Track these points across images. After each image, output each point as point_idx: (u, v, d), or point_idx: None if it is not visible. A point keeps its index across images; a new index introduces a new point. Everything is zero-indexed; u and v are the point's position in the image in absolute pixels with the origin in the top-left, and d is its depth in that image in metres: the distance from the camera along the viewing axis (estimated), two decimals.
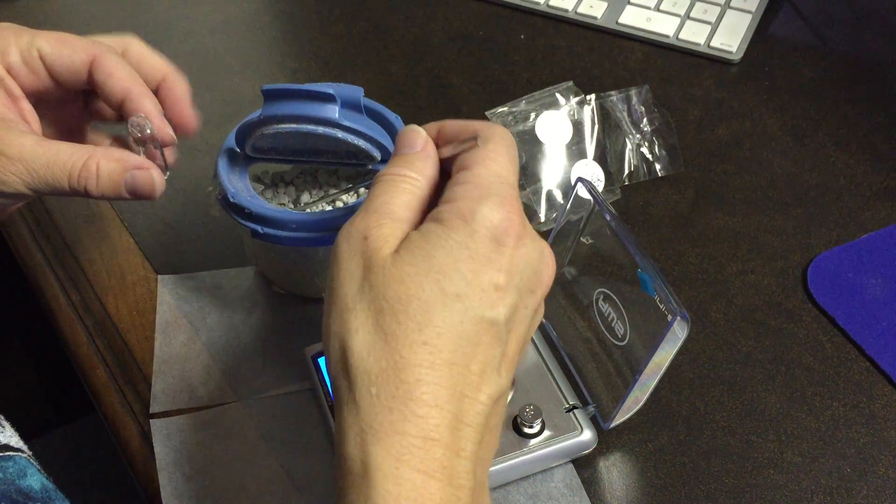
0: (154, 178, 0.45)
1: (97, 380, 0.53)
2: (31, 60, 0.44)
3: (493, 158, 0.36)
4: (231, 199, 0.49)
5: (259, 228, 0.48)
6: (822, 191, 0.60)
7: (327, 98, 0.47)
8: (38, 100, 0.46)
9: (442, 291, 0.33)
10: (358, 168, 0.52)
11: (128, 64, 0.46)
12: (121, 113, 0.46)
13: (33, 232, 0.60)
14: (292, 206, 0.53)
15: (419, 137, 0.38)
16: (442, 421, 0.32)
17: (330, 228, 0.48)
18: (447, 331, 0.33)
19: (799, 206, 0.59)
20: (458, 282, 0.33)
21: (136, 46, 0.48)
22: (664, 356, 0.44)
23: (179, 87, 0.48)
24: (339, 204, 0.52)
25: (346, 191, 0.53)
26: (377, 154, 0.50)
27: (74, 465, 0.77)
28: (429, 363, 0.32)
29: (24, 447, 0.43)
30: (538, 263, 0.36)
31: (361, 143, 0.49)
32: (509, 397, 0.46)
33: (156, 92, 0.47)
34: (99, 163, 0.43)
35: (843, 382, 0.50)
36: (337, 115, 0.47)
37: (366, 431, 0.32)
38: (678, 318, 0.41)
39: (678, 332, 0.42)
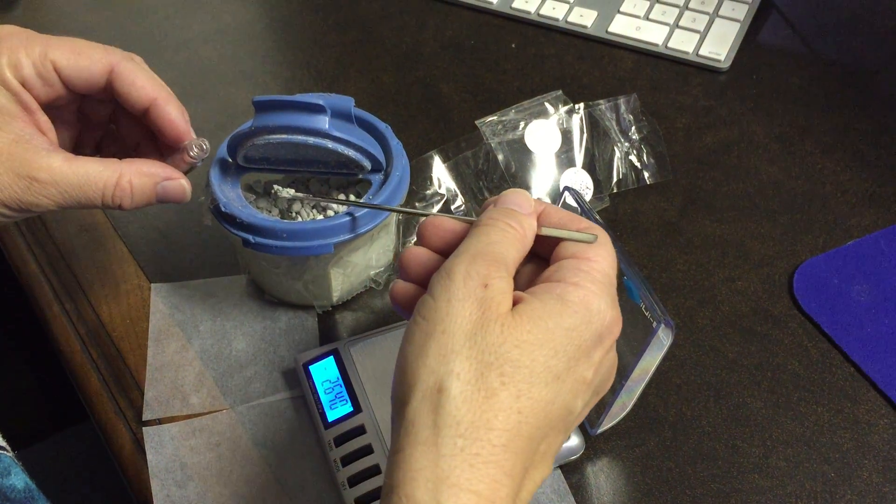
0: (184, 186, 0.46)
1: (90, 387, 0.53)
2: (45, 73, 0.43)
3: (608, 259, 0.37)
4: (223, 209, 0.49)
5: (250, 238, 0.49)
6: (808, 198, 0.60)
7: (317, 109, 0.48)
8: (50, 107, 0.46)
9: (547, 368, 0.34)
10: (349, 177, 0.53)
11: (145, 68, 0.46)
12: (144, 119, 0.46)
13: (27, 240, 0.61)
14: (280, 215, 0.53)
15: (528, 202, 0.39)
16: (510, 491, 0.32)
17: (320, 237, 0.49)
18: (540, 408, 0.33)
19: (786, 212, 0.60)
20: (561, 364, 0.34)
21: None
22: (650, 362, 0.45)
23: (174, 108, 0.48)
24: (331, 213, 0.53)
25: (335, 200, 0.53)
26: (367, 164, 0.51)
27: (68, 473, 0.77)
28: (516, 432, 0.33)
29: (8, 447, 0.44)
30: (612, 371, 0.38)
31: (351, 152, 0.49)
32: None
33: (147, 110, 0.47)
34: (132, 180, 0.44)
35: (828, 388, 0.51)
36: (327, 126, 0.48)
37: (442, 482, 0.31)
38: (663, 325, 0.42)
39: (663, 339, 0.43)
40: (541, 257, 0.39)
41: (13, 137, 0.42)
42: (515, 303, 0.35)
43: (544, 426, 0.34)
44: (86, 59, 0.44)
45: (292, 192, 0.50)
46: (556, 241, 0.39)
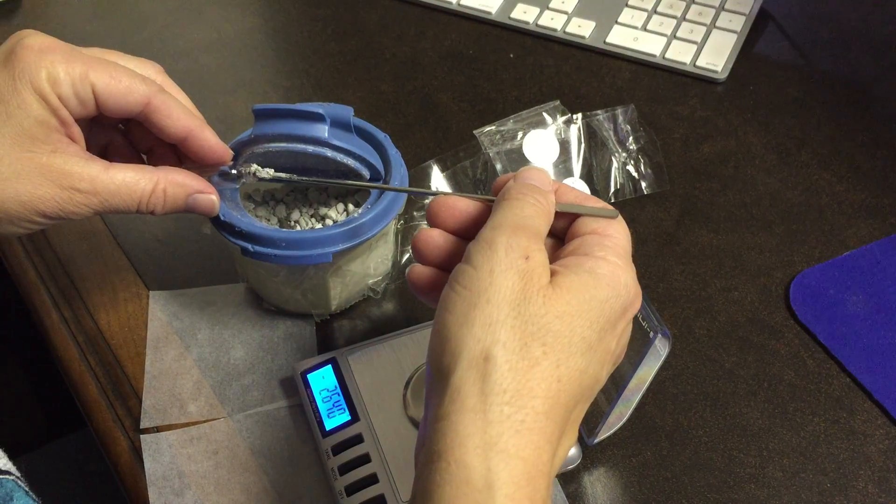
0: (213, 200, 0.48)
1: (88, 395, 0.53)
2: (83, 93, 0.43)
3: (625, 235, 0.39)
4: (222, 217, 0.49)
5: (249, 246, 0.49)
6: (805, 208, 0.61)
7: (317, 117, 0.48)
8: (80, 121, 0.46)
9: (583, 339, 0.35)
10: (347, 186, 0.53)
11: (177, 97, 0.47)
12: (179, 146, 0.47)
13: (26, 248, 0.61)
14: (279, 224, 0.53)
15: (548, 179, 0.40)
16: (550, 457, 0.33)
17: (319, 246, 0.49)
18: (575, 377, 0.34)
19: (782, 223, 0.60)
20: (594, 335, 0.35)
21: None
22: (647, 372, 0.45)
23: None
24: (329, 222, 0.53)
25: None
26: (366, 173, 0.51)
27: (65, 480, 0.77)
28: (555, 400, 0.34)
29: (13, 469, 0.44)
30: (626, 345, 0.39)
31: (350, 161, 0.50)
32: None
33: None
34: (166, 189, 0.45)
35: (824, 398, 0.51)
36: (326, 135, 0.48)
37: (491, 447, 0.32)
38: (660, 335, 0.42)
39: (660, 349, 0.43)
40: (551, 234, 0.40)
41: (51, 148, 0.42)
42: (550, 275, 0.37)
43: (577, 394, 0.35)
44: (124, 88, 0.44)
45: (272, 171, 0.49)
46: (568, 219, 0.40)
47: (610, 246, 0.38)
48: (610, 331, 0.36)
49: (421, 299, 0.41)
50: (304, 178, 0.51)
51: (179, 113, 0.46)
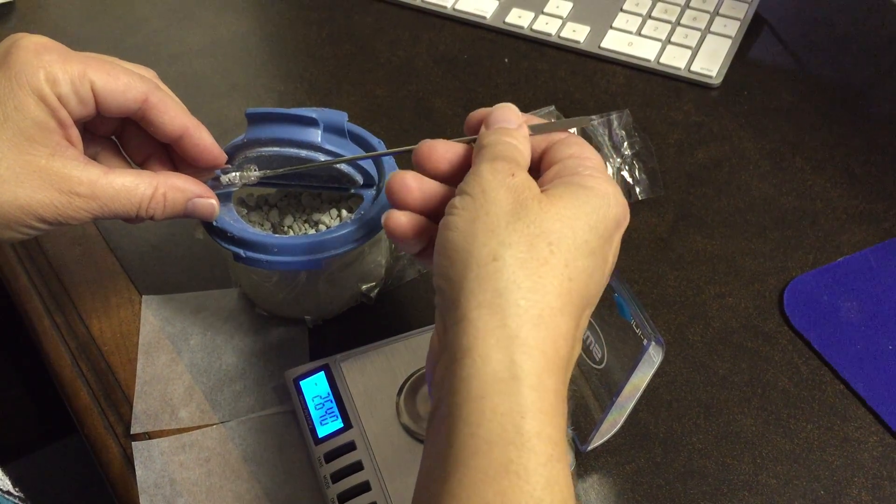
0: (213, 205, 0.47)
1: (80, 401, 0.53)
2: (82, 93, 0.43)
3: (600, 157, 0.40)
4: (214, 223, 0.49)
5: (241, 252, 0.49)
6: (799, 214, 0.61)
7: (310, 122, 0.48)
8: (78, 123, 0.46)
9: (586, 242, 0.36)
10: (341, 192, 0.53)
11: (173, 97, 0.47)
12: (175, 146, 0.47)
13: (19, 254, 0.61)
14: (273, 229, 0.53)
15: (517, 114, 0.41)
16: (566, 354, 0.34)
17: (311, 252, 0.49)
18: (583, 279, 0.35)
19: (776, 229, 0.60)
20: (595, 241, 0.36)
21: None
22: (640, 379, 0.45)
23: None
24: (322, 227, 0.53)
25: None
26: (359, 178, 0.51)
27: (56, 487, 0.76)
28: (568, 298, 0.35)
29: (13, 489, 0.43)
30: (614, 264, 0.40)
31: (343, 167, 0.49)
32: None
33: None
34: (166, 193, 0.45)
35: (818, 405, 0.51)
36: (319, 140, 0.48)
37: (513, 339, 0.33)
38: (653, 342, 0.42)
39: (653, 357, 0.43)
40: (530, 170, 0.41)
41: (50, 151, 0.42)
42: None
43: (585, 296, 0.36)
44: (123, 85, 0.44)
45: (255, 174, 0.49)
46: (541, 152, 0.41)
47: (591, 165, 0.38)
48: (607, 242, 0.37)
49: (400, 246, 0.41)
50: (283, 182, 0.50)
51: (176, 111, 0.46)
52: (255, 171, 0.49)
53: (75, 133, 0.44)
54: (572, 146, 0.40)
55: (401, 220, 0.40)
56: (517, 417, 0.32)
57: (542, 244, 0.35)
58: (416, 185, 0.40)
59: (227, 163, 0.50)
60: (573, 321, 0.35)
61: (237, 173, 0.49)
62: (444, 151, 0.41)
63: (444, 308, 0.36)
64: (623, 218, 0.38)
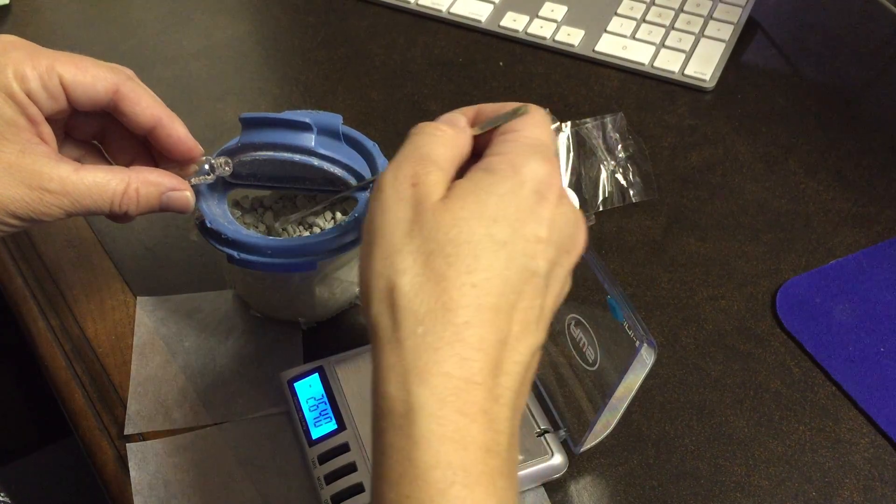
0: (188, 196, 0.47)
1: (75, 403, 0.53)
2: (51, 86, 0.43)
3: (536, 125, 0.38)
4: (209, 225, 0.49)
5: (235, 254, 0.49)
6: (791, 217, 0.61)
7: (303, 127, 0.48)
8: (50, 119, 0.46)
9: (491, 237, 0.34)
10: (335, 194, 0.53)
11: (147, 89, 0.46)
12: (148, 137, 0.47)
13: (13, 255, 0.61)
14: (267, 231, 0.53)
15: (460, 118, 0.40)
16: (485, 365, 0.33)
17: (306, 254, 0.49)
18: (494, 276, 0.34)
19: (769, 231, 0.60)
20: (505, 229, 0.34)
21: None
22: (633, 381, 0.45)
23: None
24: (316, 230, 0.53)
25: (318, 210, 0.53)
26: (353, 181, 0.51)
27: (51, 488, 0.76)
28: (476, 306, 0.33)
29: (8, 500, 0.43)
30: (574, 226, 0.37)
31: (337, 170, 0.50)
32: None
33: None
34: (139, 189, 0.45)
35: (810, 407, 0.51)
36: (313, 144, 0.48)
37: (410, 371, 0.32)
38: (645, 344, 0.42)
39: (646, 358, 0.43)
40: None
41: (20, 148, 0.42)
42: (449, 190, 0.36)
43: (508, 292, 0.34)
44: (91, 77, 0.44)
45: (229, 168, 0.50)
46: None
47: (511, 140, 0.37)
48: (530, 220, 0.35)
49: None
50: (277, 185, 0.50)
51: (148, 101, 0.46)
52: (227, 165, 0.49)
53: (47, 130, 0.44)
54: (521, 123, 0.38)
55: None
56: (412, 450, 0.31)
57: (438, 260, 0.33)
58: None
59: None
60: (491, 328, 0.33)
61: (210, 164, 0.49)
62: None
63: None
64: (546, 186, 0.36)
